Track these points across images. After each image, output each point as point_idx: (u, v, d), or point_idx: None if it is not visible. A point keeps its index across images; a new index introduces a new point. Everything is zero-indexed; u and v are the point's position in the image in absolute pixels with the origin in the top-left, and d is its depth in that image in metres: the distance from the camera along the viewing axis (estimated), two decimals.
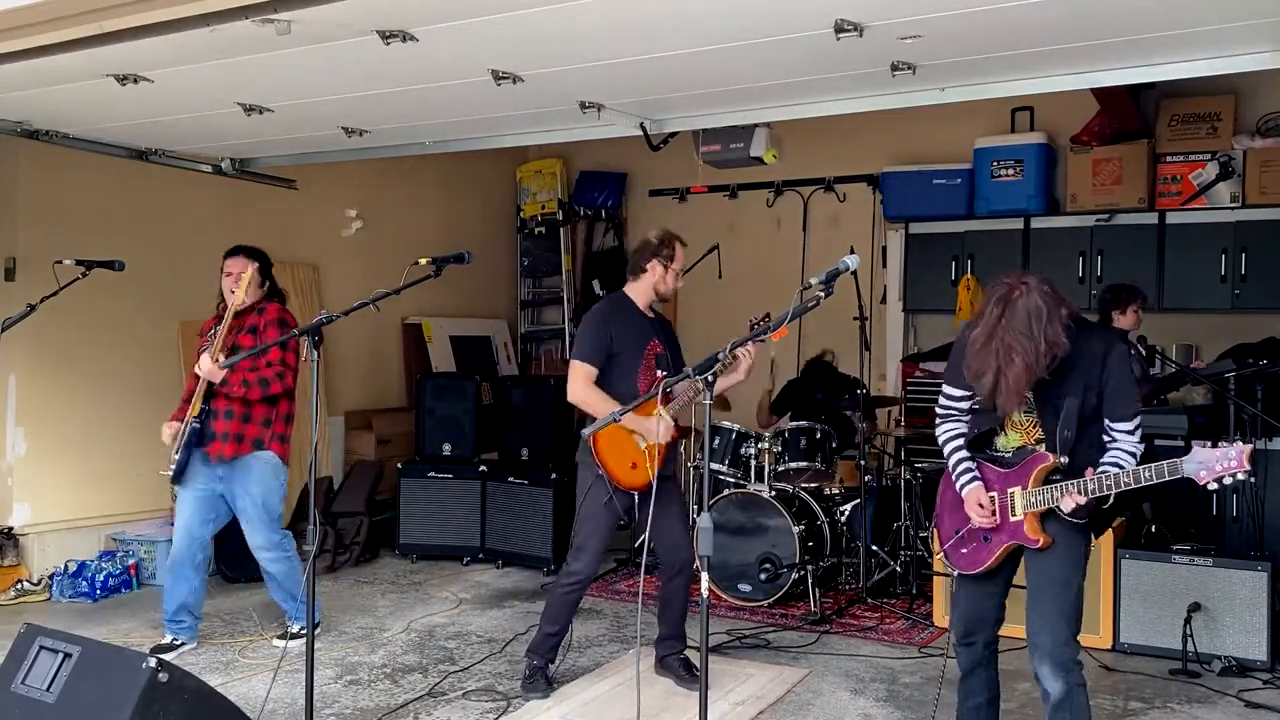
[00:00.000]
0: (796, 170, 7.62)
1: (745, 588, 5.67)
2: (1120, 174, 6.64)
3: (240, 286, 4.66)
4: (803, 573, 5.54)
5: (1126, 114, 6.64)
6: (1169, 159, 6.55)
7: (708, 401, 2.94)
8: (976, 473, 3.25)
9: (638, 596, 3.67)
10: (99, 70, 4.06)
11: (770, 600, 5.59)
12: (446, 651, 4.94)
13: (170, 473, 4.73)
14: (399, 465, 6.84)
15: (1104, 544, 4.96)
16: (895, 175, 7.24)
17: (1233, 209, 6.36)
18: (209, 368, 4.59)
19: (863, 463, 5.83)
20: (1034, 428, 3.18)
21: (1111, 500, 3.09)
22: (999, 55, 3.83)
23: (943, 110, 4.65)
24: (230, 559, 6.24)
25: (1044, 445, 3.16)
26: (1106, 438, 3.14)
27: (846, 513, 6.04)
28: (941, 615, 5.30)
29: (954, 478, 3.31)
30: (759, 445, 5.86)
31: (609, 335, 4.21)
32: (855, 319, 5.95)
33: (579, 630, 5.27)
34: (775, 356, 7.62)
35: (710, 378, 2.91)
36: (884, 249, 7.57)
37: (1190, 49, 3.76)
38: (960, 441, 3.31)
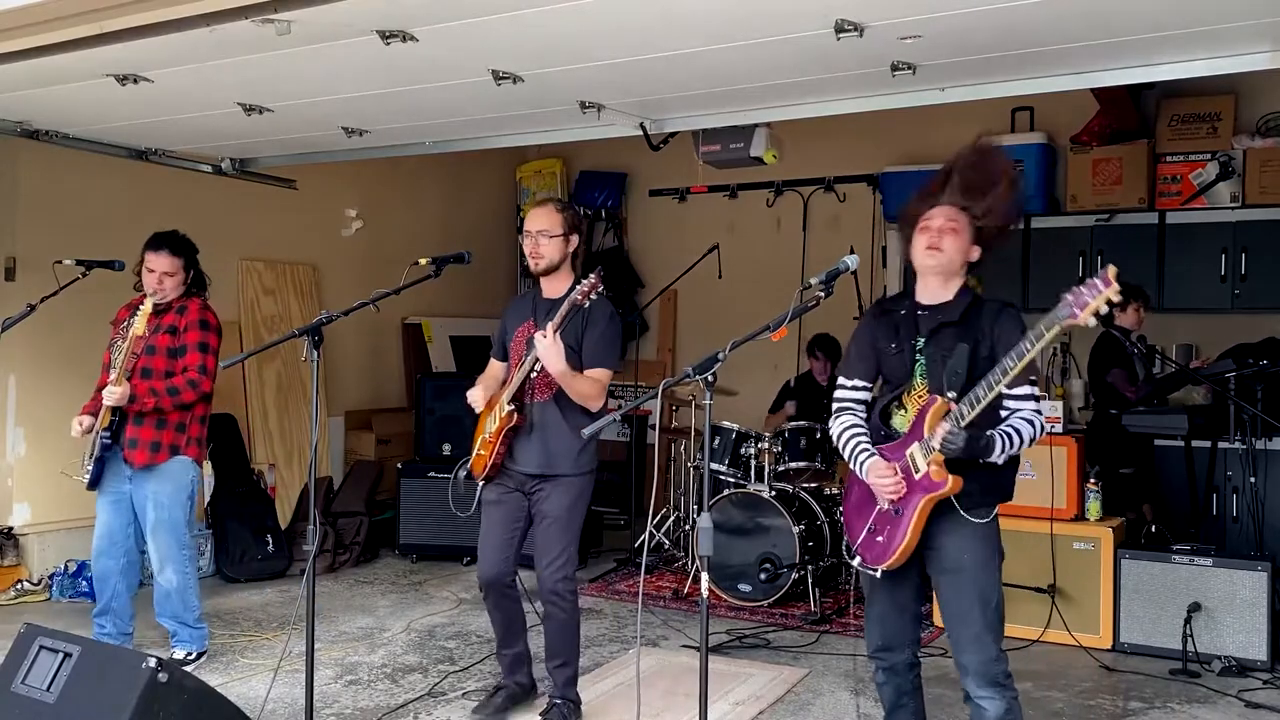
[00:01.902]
0: (796, 170, 7.62)
1: (745, 588, 5.67)
2: (1120, 174, 6.64)
3: (141, 319, 4.32)
4: (803, 573, 5.54)
5: (1126, 114, 6.64)
6: (1169, 159, 6.56)
7: (708, 402, 2.94)
8: (872, 450, 3.07)
9: (638, 597, 3.65)
10: (99, 70, 4.06)
11: (770, 600, 5.59)
12: (446, 651, 4.94)
13: (85, 479, 4.52)
14: (399, 465, 6.84)
15: (1104, 544, 4.97)
16: (895, 175, 7.24)
17: (1233, 209, 6.37)
18: (117, 394, 4.31)
19: None
20: (926, 394, 3.01)
21: (999, 455, 2.89)
22: (999, 55, 3.83)
23: (943, 110, 4.64)
24: (230, 559, 6.25)
25: None
26: (1004, 411, 2.95)
27: None
28: (941, 615, 5.29)
29: (852, 462, 3.11)
30: (759, 445, 5.86)
31: (503, 325, 4.12)
32: (855, 319, 5.96)
33: None
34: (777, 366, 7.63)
35: (711, 378, 2.91)
36: (884, 249, 7.56)
37: (1190, 49, 3.76)
38: (857, 429, 3.13)
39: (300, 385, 7.13)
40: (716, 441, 5.98)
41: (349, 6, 3.27)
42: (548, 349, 3.66)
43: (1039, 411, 2.98)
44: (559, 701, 3.95)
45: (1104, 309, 2.63)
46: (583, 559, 6.66)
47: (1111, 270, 2.61)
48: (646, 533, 5.94)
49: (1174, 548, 4.90)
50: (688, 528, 6.45)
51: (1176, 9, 3.32)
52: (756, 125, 4.87)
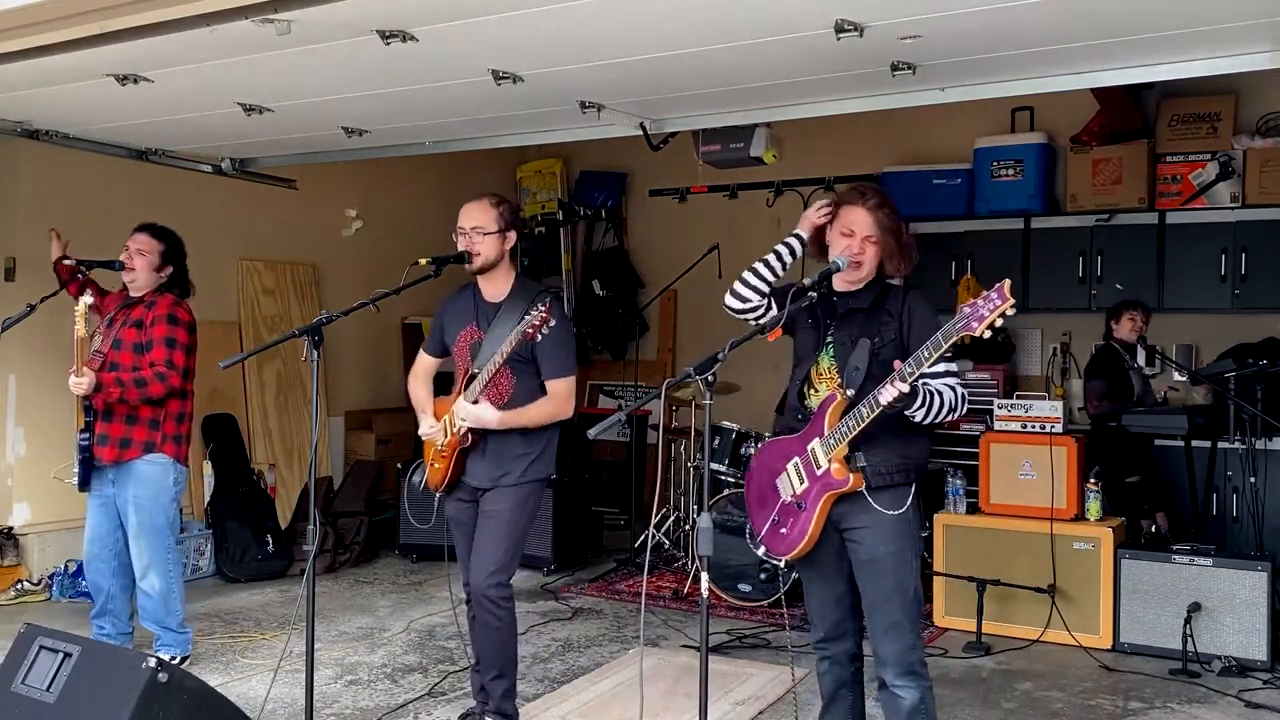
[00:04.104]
0: (796, 170, 7.61)
1: (745, 588, 5.67)
2: (1120, 174, 6.64)
3: (80, 320, 4.19)
4: None
5: (1126, 114, 6.64)
6: (1169, 159, 6.56)
7: (707, 402, 2.94)
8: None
9: (639, 597, 3.63)
10: (99, 70, 4.05)
11: (770, 600, 5.59)
12: (446, 651, 4.94)
13: (75, 481, 4.46)
14: (399, 465, 6.84)
15: (1104, 544, 4.97)
16: (895, 175, 7.24)
17: (1233, 209, 6.36)
18: (80, 384, 4.20)
19: None
20: (835, 377, 3.08)
21: (918, 407, 2.88)
22: (999, 55, 3.83)
23: (943, 110, 4.64)
24: (230, 559, 6.25)
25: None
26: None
27: None
28: (941, 615, 5.30)
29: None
30: (759, 445, 5.85)
31: (440, 324, 3.99)
32: None
33: (579, 630, 5.28)
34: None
35: (710, 378, 2.91)
36: None
37: (1190, 49, 3.76)
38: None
39: (300, 385, 7.13)
40: (716, 441, 5.98)
41: (349, 6, 3.27)
42: (479, 418, 3.65)
43: (959, 384, 3.04)
44: (492, 716, 3.79)
45: (999, 322, 2.74)
46: (583, 559, 6.67)
47: (1007, 285, 2.73)
48: (648, 532, 5.95)
49: (1174, 548, 4.90)
50: (688, 528, 6.45)
51: (1176, 9, 3.32)
52: (756, 125, 4.86)
